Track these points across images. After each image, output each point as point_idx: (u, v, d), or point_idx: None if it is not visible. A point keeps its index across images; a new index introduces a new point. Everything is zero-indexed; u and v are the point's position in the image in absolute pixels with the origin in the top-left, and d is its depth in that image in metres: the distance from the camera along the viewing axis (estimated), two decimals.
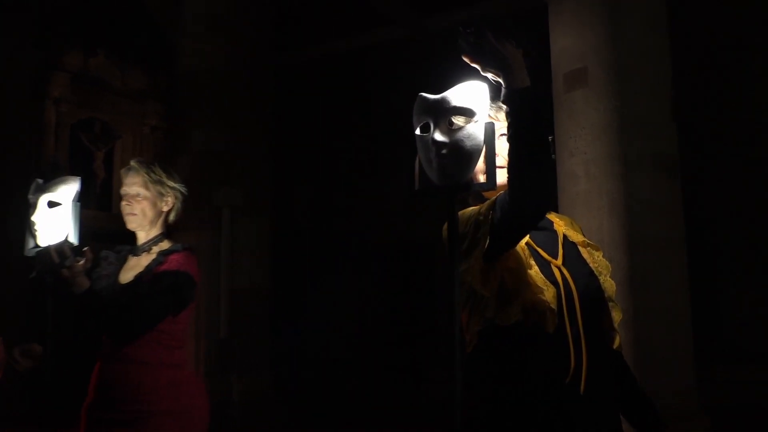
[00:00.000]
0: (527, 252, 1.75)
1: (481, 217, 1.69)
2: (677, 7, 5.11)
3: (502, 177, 1.70)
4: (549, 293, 1.69)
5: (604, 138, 4.41)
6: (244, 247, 6.60)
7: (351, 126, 9.17)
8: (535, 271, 1.71)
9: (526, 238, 1.77)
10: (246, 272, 6.60)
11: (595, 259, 1.85)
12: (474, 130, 1.51)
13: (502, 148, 1.77)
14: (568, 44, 4.61)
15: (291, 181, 9.39)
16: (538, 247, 1.79)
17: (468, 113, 1.53)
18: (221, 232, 6.46)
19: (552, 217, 1.96)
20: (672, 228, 4.43)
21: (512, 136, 1.57)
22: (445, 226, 1.68)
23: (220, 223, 6.47)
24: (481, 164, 1.50)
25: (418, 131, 1.57)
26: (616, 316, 1.80)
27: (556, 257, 1.80)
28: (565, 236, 1.88)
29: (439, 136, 1.52)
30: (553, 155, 1.86)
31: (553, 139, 1.88)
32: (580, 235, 1.91)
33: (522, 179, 1.56)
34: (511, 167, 1.58)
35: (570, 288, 1.74)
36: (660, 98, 4.49)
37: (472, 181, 1.50)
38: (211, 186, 6.48)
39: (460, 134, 1.51)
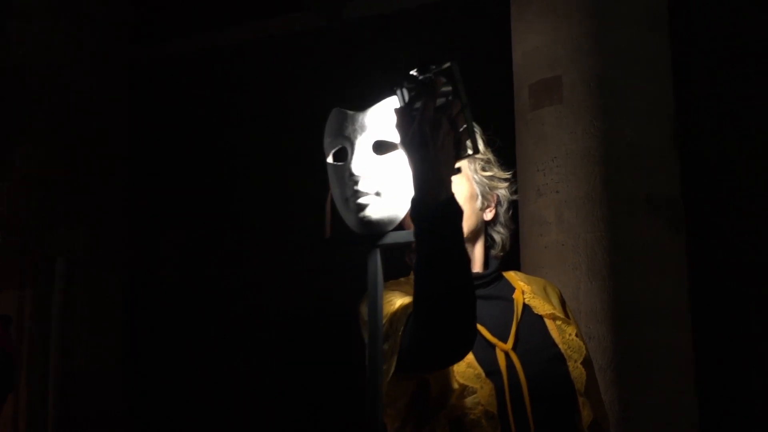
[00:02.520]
0: None
1: (394, 325, 1.70)
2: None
3: None
4: (484, 392, 1.73)
5: (583, 172, 4.44)
6: (85, 311, 6.49)
7: (242, 148, 9.08)
8: (468, 363, 1.75)
9: None
10: (87, 347, 6.50)
11: (566, 339, 1.90)
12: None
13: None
14: (537, 46, 4.67)
15: (157, 220, 9.22)
16: (482, 324, 1.84)
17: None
18: (53, 292, 6.35)
19: (515, 279, 2.03)
20: (673, 294, 4.46)
21: (417, 265, 1.56)
22: (364, 301, 1.73)
23: (52, 278, 6.36)
24: None
25: (330, 159, 1.59)
26: (587, 416, 1.86)
27: (506, 338, 1.85)
28: (526, 308, 1.94)
29: (359, 166, 1.49)
30: (513, 195, 1.86)
31: (514, 174, 1.88)
32: (550, 305, 1.97)
33: (428, 324, 1.56)
34: (415, 303, 1.58)
35: (518, 381, 1.79)
36: (658, 119, 4.55)
37: (403, 230, 1.55)
38: (41, 227, 6.40)
39: (389, 164, 1.47)
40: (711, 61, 7.00)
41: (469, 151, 1.52)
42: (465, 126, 1.50)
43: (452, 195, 1.53)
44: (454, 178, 1.90)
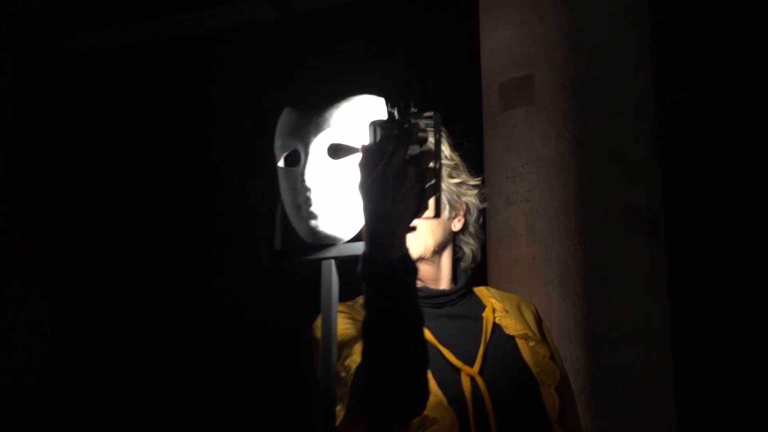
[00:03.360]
0: None
1: (346, 369, 1.70)
2: None
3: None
4: (446, 422, 1.73)
5: (556, 180, 4.45)
6: (4, 329, 6.38)
7: (184, 147, 9.02)
8: (430, 391, 1.73)
9: (426, 333, 1.80)
10: (9, 364, 6.39)
11: (539, 361, 1.90)
12: None
13: None
14: (507, 41, 4.67)
15: (87, 229, 9.12)
16: (446, 346, 1.85)
17: (358, 139, 1.58)
18: None
19: (486, 296, 2.01)
20: (652, 312, 4.48)
21: (366, 323, 1.56)
22: (318, 321, 1.69)
23: None
24: None
25: (281, 163, 1.59)
26: None
27: (472, 361, 1.84)
28: (497, 328, 1.94)
29: (312, 172, 1.49)
30: (483, 203, 1.86)
31: (482, 181, 1.88)
32: (523, 325, 1.97)
33: (375, 384, 1.57)
34: (363, 360, 1.59)
35: (484, 408, 1.78)
36: (638, 124, 4.57)
37: (361, 240, 1.54)
38: None
39: (345, 169, 1.47)
40: (694, 62, 7.06)
41: (430, 213, 1.50)
42: (432, 184, 1.47)
43: (406, 252, 1.51)
44: None
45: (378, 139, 1.46)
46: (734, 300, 7.11)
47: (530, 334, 1.96)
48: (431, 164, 1.47)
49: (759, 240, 7.05)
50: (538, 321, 2.04)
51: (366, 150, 1.48)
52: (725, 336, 7.14)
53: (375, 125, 1.45)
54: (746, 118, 7.06)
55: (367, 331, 1.55)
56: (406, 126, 1.44)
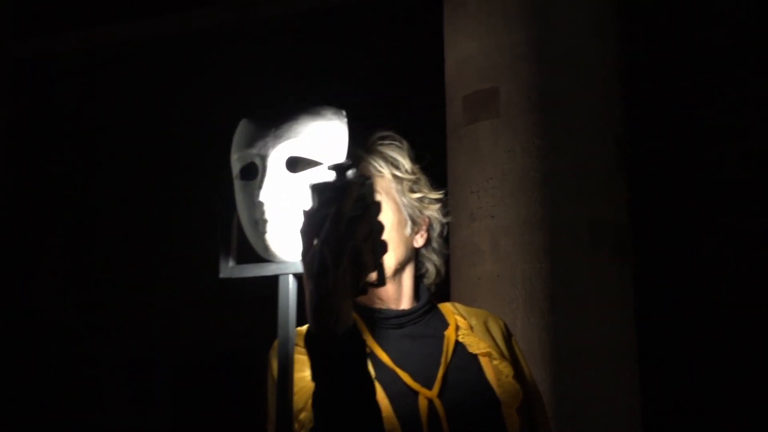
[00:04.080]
0: (377, 387, 1.72)
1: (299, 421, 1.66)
2: (632, 3, 5.29)
3: None
4: None
5: (521, 195, 4.46)
6: None
7: (135, 157, 8.97)
8: (384, 417, 1.72)
9: (380, 353, 1.85)
10: None
11: (502, 381, 1.89)
12: (327, 179, 1.50)
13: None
14: (472, 53, 4.68)
15: (29, 250, 9.03)
16: (405, 369, 1.84)
17: (318, 153, 1.55)
18: None
19: (450, 312, 2.01)
20: (619, 333, 4.49)
21: (315, 399, 1.53)
22: (274, 346, 1.67)
23: None
24: None
25: (238, 176, 1.56)
26: None
27: (431, 383, 1.83)
28: (460, 346, 1.93)
29: (271, 186, 1.45)
30: (446, 217, 1.85)
31: (446, 193, 1.87)
32: (486, 342, 1.95)
33: None
34: None
35: None
36: (605, 138, 4.59)
37: None
38: None
39: (304, 183, 1.55)
40: (661, 76, 7.12)
41: (374, 281, 1.46)
42: (374, 251, 1.42)
43: (351, 327, 1.47)
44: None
45: (318, 205, 1.41)
46: (702, 319, 7.15)
47: (494, 353, 1.93)
48: (368, 233, 1.42)
49: (727, 257, 7.10)
50: (507, 337, 2.01)
51: (306, 215, 1.44)
52: (692, 356, 7.17)
53: (314, 188, 1.41)
54: (714, 133, 7.12)
55: (317, 405, 1.52)
56: (343, 188, 1.39)
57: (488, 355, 1.92)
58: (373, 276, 1.44)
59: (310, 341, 1.48)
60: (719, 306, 7.15)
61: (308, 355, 1.49)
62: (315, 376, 1.49)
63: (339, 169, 1.39)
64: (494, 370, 1.90)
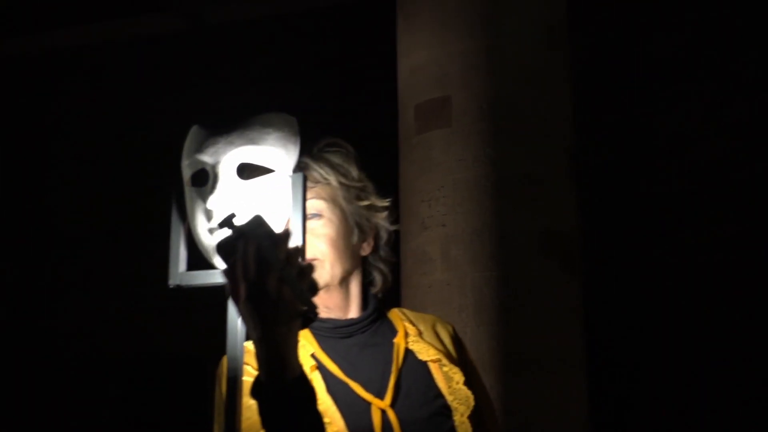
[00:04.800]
0: (326, 399, 1.75)
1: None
2: (582, 15, 5.32)
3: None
4: None
5: (473, 205, 4.46)
6: None
7: (87, 163, 8.89)
8: (337, 429, 1.73)
9: (330, 365, 1.83)
10: None
11: (453, 387, 1.87)
12: (278, 186, 1.54)
13: (317, 228, 1.87)
14: (424, 61, 4.68)
15: None
16: (356, 379, 1.83)
17: (269, 160, 1.56)
18: None
19: (399, 319, 1.98)
20: (567, 341, 4.50)
21: None
22: (223, 361, 1.64)
23: None
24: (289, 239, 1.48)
25: (188, 183, 1.55)
26: None
27: (383, 393, 1.82)
28: (410, 354, 1.91)
29: (221, 193, 1.44)
30: (393, 225, 1.84)
31: (393, 201, 1.86)
32: (436, 349, 1.93)
33: None
34: None
35: None
36: (556, 148, 4.61)
37: None
38: None
39: (256, 189, 1.50)
40: (612, 86, 7.17)
41: (309, 313, 1.45)
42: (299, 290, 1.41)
43: (299, 374, 1.47)
44: (326, 216, 1.87)
45: (231, 261, 1.40)
46: (650, 328, 7.20)
47: (444, 359, 1.92)
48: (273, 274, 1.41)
49: (677, 267, 7.16)
50: (456, 341, 2.00)
51: (224, 274, 1.44)
52: (640, 365, 7.22)
53: (220, 249, 1.39)
54: (663, 144, 7.18)
55: None
56: (244, 238, 1.38)
57: (438, 361, 1.91)
58: (307, 307, 1.43)
59: (255, 389, 1.48)
60: (667, 315, 7.21)
61: (257, 403, 1.48)
62: (264, 423, 1.49)
63: (227, 223, 1.38)
64: (444, 376, 1.89)
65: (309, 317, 1.48)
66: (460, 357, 1.97)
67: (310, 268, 1.43)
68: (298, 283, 1.39)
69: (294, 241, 1.46)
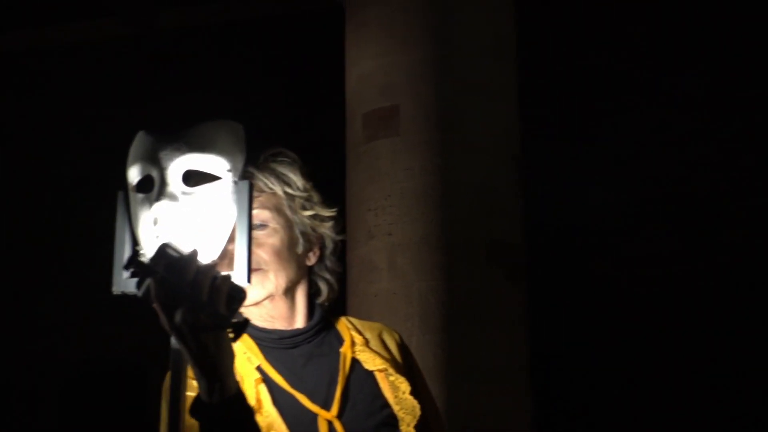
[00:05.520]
0: (272, 411, 1.74)
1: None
2: (530, 26, 5.35)
3: (253, 287, 1.78)
4: None
5: (419, 214, 4.47)
6: None
7: (28, 173, 8.78)
8: None
9: (276, 376, 1.82)
10: None
11: (399, 397, 1.86)
12: (223, 194, 1.51)
13: (262, 238, 1.86)
14: (372, 70, 4.69)
15: None
16: (302, 390, 1.81)
17: (215, 167, 1.53)
18: None
19: (345, 328, 1.96)
20: (512, 351, 4.52)
21: None
22: (167, 378, 1.62)
23: None
24: (231, 246, 1.50)
25: (134, 189, 1.52)
26: None
27: (330, 404, 1.81)
28: (356, 363, 1.89)
29: (167, 201, 1.43)
30: (340, 235, 1.83)
31: (339, 210, 1.86)
32: (382, 358, 1.92)
33: None
34: None
35: None
36: (503, 159, 4.64)
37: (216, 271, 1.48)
38: None
39: (200, 199, 1.48)
40: (559, 98, 7.23)
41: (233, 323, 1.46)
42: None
43: (236, 392, 1.49)
44: (270, 226, 1.86)
45: (154, 300, 1.42)
46: (594, 338, 7.25)
47: (390, 368, 1.90)
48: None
49: (620, 279, 7.22)
50: (403, 349, 1.98)
51: (161, 313, 1.45)
52: (584, 374, 7.27)
53: (145, 297, 1.41)
54: (609, 156, 7.25)
55: None
56: (150, 279, 1.39)
57: (384, 371, 1.89)
58: (231, 335, 1.45)
59: (197, 408, 1.48)
60: (611, 325, 7.26)
61: (198, 421, 1.49)
62: None
63: (131, 263, 1.39)
64: (391, 386, 1.87)
65: (240, 328, 1.48)
66: (406, 365, 1.96)
67: (225, 281, 1.44)
68: (213, 304, 1.40)
69: (208, 256, 1.47)
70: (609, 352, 7.32)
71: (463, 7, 4.66)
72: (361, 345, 1.93)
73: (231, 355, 1.48)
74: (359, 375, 1.88)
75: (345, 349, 1.91)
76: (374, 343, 1.95)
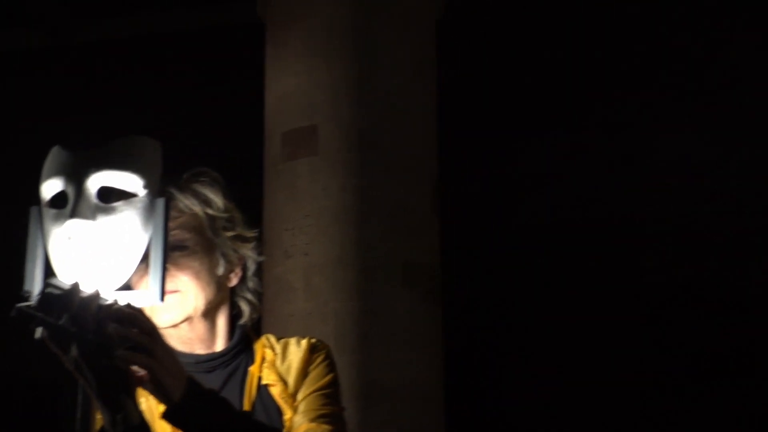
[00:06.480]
0: None
1: None
2: (450, 50, 5.39)
3: (171, 309, 1.78)
4: None
5: (336, 234, 4.48)
6: None
7: None
8: None
9: None
10: None
11: (288, 417, 1.86)
12: (139, 211, 1.48)
13: (180, 260, 1.83)
14: (291, 89, 4.69)
15: None
16: None
17: (131, 184, 1.50)
18: None
19: (262, 346, 1.94)
20: (427, 371, 4.53)
21: None
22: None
23: None
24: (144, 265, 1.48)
25: (47, 203, 1.48)
26: None
27: None
28: (262, 388, 1.87)
29: (81, 216, 1.41)
30: (261, 256, 1.82)
31: (260, 233, 1.84)
32: (276, 374, 1.90)
33: None
34: None
35: None
36: (421, 180, 4.66)
37: (130, 289, 1.48)
38: None
39: (115, 216, 1.46)
40: (478, 121, 7.28)
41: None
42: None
43: (136, 425, 1.47)
44: (190, 247, 1.84)
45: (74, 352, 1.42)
46: (509, 361, 7.31)
47: (282, 385, 1.88)
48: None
49: (534, 300, 7.29)
50: (311, 352, 1.95)
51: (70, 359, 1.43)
52: (498, 397, 7.33)
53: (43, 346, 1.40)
54: (525, 180, 7.32)
55: None
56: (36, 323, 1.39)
57: (275, 386, 1.88)
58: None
59: (171, 412, 1.48)
60: (525, 347, 7.33)
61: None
62: None
63: (19, 315, 1.37)
64: (284, 401, 1.86)
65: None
66: (304, 368, 1.92)
67: (108, 308, 1.42)
68: (100, 335, 1.38)
69: (121, 276, 1.45)
70: (524, 371, 7.38)
71: (384, 28, 4.68)
72: (270, 361, 1.91)
73: (133, 384, 1.45)
74: (264, 393, 1.86)
75: (254, 369, 1.89)
76: (280, 357, 1.93)
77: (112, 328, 1.40)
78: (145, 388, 1.48)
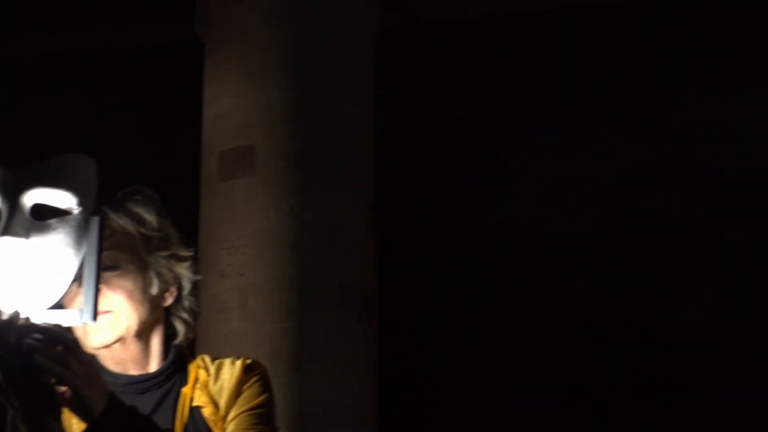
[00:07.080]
0: None
1: None
2: (388, 72, 5.42)
3: (103, 329, 1.76)
4: None
5: (272, 254, 4.48)
6: None
7: None
8: None
9: None
10: None
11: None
12: (73, 230, 1.47)
13: (113, 280, 1.81)
14: (229, 109, 4.69)
15: None
16: None
17: (65, 202, 1.49)
18: None
19: (196, 367, 1.91)
20: (362, 393, 4.54)
21: None
22: None
23: None
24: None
25: None
26: None
27: None
28: (194, 411, 1.86)
29: (14, 233, 1.39)
30: (195, 276, 1.80)
31: (195, 252, 1.82)
32: (207, 395, 1.88)
33: None
34: None
35: None
36: (358, 202, 4.67)
37: (62, 308, 1.47)
38: None
39: (48, 234, 1.45)
40: (417, 143, 7.31)
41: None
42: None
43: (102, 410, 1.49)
44: (123, 267, 1.83)
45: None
46: (444, 384, 7.33)
47: (212, 407, 1.86)
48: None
49: (470, 323, 7.32)
50: (245, 372, 1.92)
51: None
52: (434, 420, 7.34)
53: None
54: (465, 202, 7.35)
55: None
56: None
57: (211, 417, 1.86)
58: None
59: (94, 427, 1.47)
60: (462, 370, 7.35)
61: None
62: None
63: None
64: (213, 424, 1.84)
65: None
66: (237, 389, 1.91)
67: (25, 329, 1.42)
68: (21, 356, 1.38)
69: (53, 294, 1.44)
70: (460, 393, 7.40)
71: (323, 49, 4.70)
72: (203, 382, 1.89)
73: (59, 406, 1.45)
74: (195, 415, 1.84)
75: (186, 390, 1.86)
76: (213, 378, 1.91)
77: (26, 344, 1.39)
78: (68, 407, 1.46)
